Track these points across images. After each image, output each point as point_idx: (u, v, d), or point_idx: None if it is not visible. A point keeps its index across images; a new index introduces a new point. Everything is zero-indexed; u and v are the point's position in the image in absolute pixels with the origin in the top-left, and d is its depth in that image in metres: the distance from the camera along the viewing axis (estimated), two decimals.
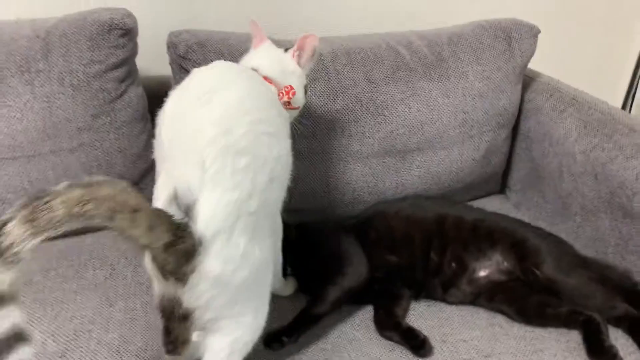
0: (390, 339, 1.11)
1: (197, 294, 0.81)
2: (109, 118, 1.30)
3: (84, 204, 0.65)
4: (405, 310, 1.20)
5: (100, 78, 1.27)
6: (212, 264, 0.79)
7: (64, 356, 1.05)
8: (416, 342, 1.09)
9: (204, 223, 0.78)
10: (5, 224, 0.62)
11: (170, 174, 0.83)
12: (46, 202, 0.63)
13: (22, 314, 0.64)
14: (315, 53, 1.14)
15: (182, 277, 0.78)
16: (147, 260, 0.79)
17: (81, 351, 1.06)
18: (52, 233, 0.64)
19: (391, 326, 1.12)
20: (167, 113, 0.92)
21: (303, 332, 1.09)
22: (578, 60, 2.08)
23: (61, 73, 1.25)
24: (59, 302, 1.15)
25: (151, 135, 1.38)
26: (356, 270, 1.19)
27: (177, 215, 0.77)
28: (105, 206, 0.67)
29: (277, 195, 0.97)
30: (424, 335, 1.10)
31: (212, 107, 0.86)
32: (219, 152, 0.81)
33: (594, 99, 1.45)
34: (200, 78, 0.97)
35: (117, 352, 1.07)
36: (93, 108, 1.28)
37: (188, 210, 0.79)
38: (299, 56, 1.13)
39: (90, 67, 1.26)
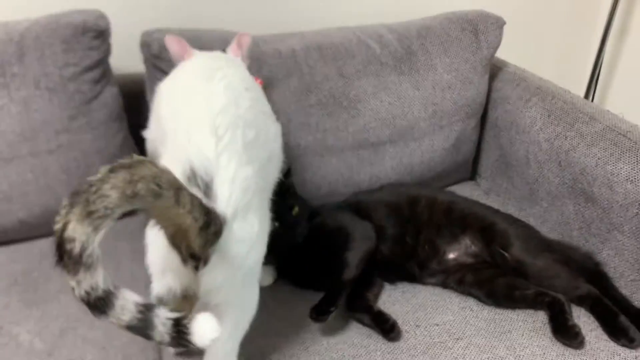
0: (360, 321, 1.16)
1: (211, 278, 0.78)
2: (85, 119, 1.31)
3: (134, 184, 0.62)
4: (377, 295, 1.25)
5: (76, 80, 1.29)
6: (230, 245, 0.77)
7: (52, 355, 1.08)
8: (386, 325, 1.13)
9: (224, 202, 0.76)
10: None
11: (178, 153, 0.80)
12: (96, 191, 0.60)
13: None
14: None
15: (204, 261, 0.75)
16: (166, 246, 0.74)
17: (67, 349, 1.09)
18: (111, 221, 0.61)
19: (362, 309, 1.17)
20: (168, 90, 0.93)
21: (340, 300, 1.13)
22: (543, 50, 2.15)
23: (36, 76, 1.26)
24: (44, 301, 1.18)
25: (127, 135, 1.41)
26: (365, 233, 1.26)
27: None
28: (152, 184, 0.64)
29: (273, 176, 0.98)
30: (393, 320, 1.14)
31: (217, 81, 0.89)
32: (230, 121, 0.80)
33: (557, 89, 1.50)
34: (201, 59, 1.03)
35: (102, 348, 1.10)
36: (69, 110, 1.29)
37: (207, 189, 0.76)
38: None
39: (65, 70, 1.27)
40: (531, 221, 1.42)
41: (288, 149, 1.41)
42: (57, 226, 0.60)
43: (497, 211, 1.36)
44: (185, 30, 1.37)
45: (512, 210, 1.47)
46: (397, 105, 1.46)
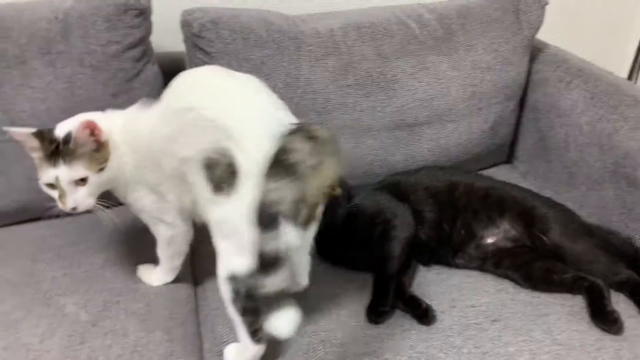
0: (394, 306, 1.17)
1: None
2: (127, 97, 1.33)
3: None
4: (411, 279, 1.25)
5: (118, 58, 1.31)
6: None
7: (96, 325, 1.11)
8: (419, 310, 1.14)
9: None
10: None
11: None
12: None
13: None
14: None
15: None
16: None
17: (111, 320, 1.13)
18: None
19: (396, 293, 1.17)
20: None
21: (389, 295, 1.15)
22: (586, 31, 2.09)
23: (81, 54, 1.28)
24: (87, 276, 1.22)
25: None
26: (405, 219, 1.26)
27: None
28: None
29: None
30: (427, 305, 1.14)
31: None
32: None
33: (600, 71, 1.47)
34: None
35: (143, 321, 1.14)
36: (112, 87, 1.31)
37: None
38: None
39: (108, 48, 1.30)
40: (569, 205, 1.39)
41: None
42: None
43: (536, 195, 1.35)
44: (225, 9, 1.38)
45: (549, 194, 1.45)
46: (435, 85, 1.45)
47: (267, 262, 0.79)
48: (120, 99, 1.33)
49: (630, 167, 1.27)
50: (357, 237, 1.24)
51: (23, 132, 0.98)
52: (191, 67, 1.38)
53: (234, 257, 0.91)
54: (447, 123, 1.50)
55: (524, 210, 1.27)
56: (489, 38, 1.50)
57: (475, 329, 1.11)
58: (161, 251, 1.17)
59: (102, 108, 1.29)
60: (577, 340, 1.08)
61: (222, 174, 0.87)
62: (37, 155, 1.00)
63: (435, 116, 1.48)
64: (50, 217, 1.08)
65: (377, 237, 1.22)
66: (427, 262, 1.30)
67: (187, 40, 1.37)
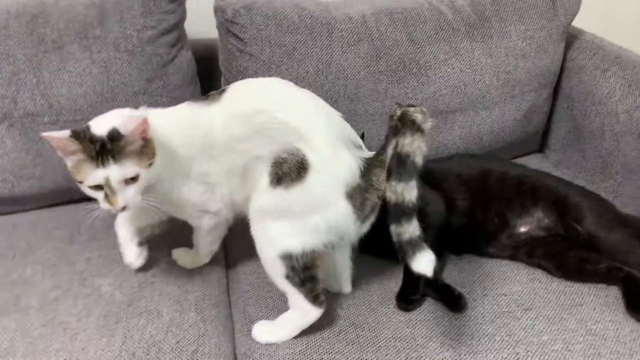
0: (425, 294, 1.16)
1: None
2: (162, 82, 1.35)
3: None
4: (442, 267, 1.25)
5: (153, 43, 1.32)
6: None
7: (131, 305, 1.14)
8: (451, 298, 1.13)
9: None
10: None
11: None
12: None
13: None
14: None
15: None
16: None
17: (146, 301, 1.15)
18: None
19: (427, 282, 1.15)
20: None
21: (420, 283, 1.15)
22: (623, 18, 2.04)
23: (117, 39, 1.30)
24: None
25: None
26: (437, 207, 1.25)
27: None
28: None
29: None
30: (459, 292, 1.14)
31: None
32: None
33: (638, 58, 1.43)
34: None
35: (177, 302, 1.16)
36: (147, 72, 1.33)
37: None
38: None
39: (143, 33, 1.31)
40: (602, 195, 1.37)
41: (356, 115, 1.42)
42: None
43: (569, 183, 1.33)
44: None
45: (582, 183, 1.42)
46: (468, 72, 1.44)
47: (407, 210, 0.94)
48: (154, 84, 1.34)
49: None
50: (388, 225, 1.23)
51: (61, 137, 0.92)
52: (224, 53, 1.40)
53: (291, 237, 1.00)
54: (479, 110, 1.48)
55: (558, 198, 1.26)
56: (524, 24, 1.47)
57: (508, 317, 1.11)
58: (201, 238, 1.19)
59: (137, 93, 1.33)
60: (612, 331, 1.07)
61: (288, 169, 0.97)
62: (76, 158, 0.94)
63: (468, 103, 1.46)
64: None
65: None
66: (459, 251, 1.29)
67: (220, 26, 1.38)
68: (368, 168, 1.01)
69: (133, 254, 1.17)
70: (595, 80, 1.46)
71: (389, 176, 0.96)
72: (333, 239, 1.02)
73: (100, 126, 0.95)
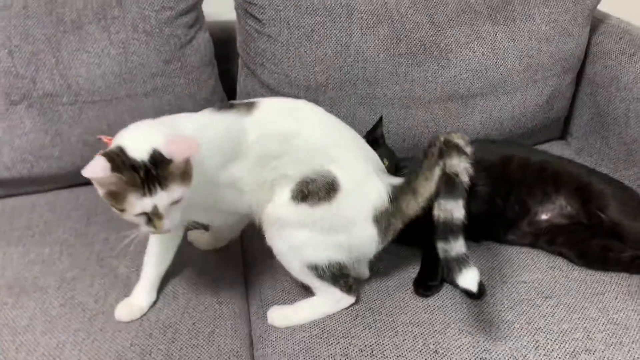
0: (443, 280, 1.15)
1: None
2: (179, 63, 1.34)
3: None
4: None
5: (171, 24, 1.31)
6: None
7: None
8: None
9: None
10: None
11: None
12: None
13: None
14: None
15: None
16: None
17: (161, 283, 1.15)
18: None
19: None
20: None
21: (438, 270, 1.14)
22: None
23: (135, 19, 1.29)
24: (139, 240, 1.22)
25: (218, 81, 1.43)
26: None
27: None
28: None
29: None
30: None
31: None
32: None
33: None
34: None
35: (194, 284, 1.17)
36: (165, 54, 1.32)
37: None
38: None
39: (161, 14, 1.30)
40: (626, 184, 1.35)
41: (374, 99, 1.40)
42: None
43: (592, 170, 1.30)
44: None
45: (605, 171, 1.40)
46: (490, 56, 1.41)
47: (455, 228, 0.99)
48: (172, 65, 1.34)
49: None
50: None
51: (104, 175, 0.83)
52: (242, 35, 1.39)
53: (315, 251, 1.05)
54: (501, 95, 1.45)
55: (581, 185, 1.23)
56: (548, 7, 1.43)
57: (527, 304, 1.09)
58: (222, 231, 1.22)
59: (154, 75, 1.33)
60: (635, 321, 1.05)
61: (316, 189, 1.01)
62: (115, 187, 0.86)
63: (489, 88, 1.43)
64: None
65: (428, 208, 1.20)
66: (478, 238, 1.27)
67: (238, 7, 1.37)
68: (397, 194, 1.06)
69: (135, 309, 1.10)
70: (621, 65, 1.43)
71: (436, 195, 1.02)
72: (354, 257, 1.08)
73: (137, 148, 0.87)
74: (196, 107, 1.37)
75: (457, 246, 0.98)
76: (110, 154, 0.86)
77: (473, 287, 0.96)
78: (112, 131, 1.30)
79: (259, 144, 1.00)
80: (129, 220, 0.90)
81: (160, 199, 0.86)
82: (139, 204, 0.86)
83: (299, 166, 1.02)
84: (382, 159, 1.26)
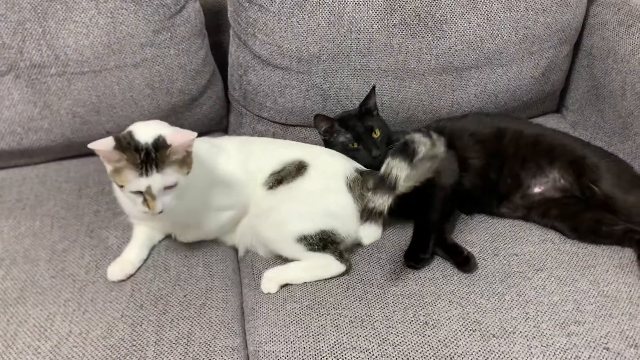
0: (434, 253, 1.15)
1: None
2: (169, 34, 1.32)
3: None
4: (453, 226, 1.23)
5: None
6: None
7: None
8: (460, 257, 1.12)
9: None
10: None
11: None
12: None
13: None
14: None
15: None
16: None
17: (153, 256, 1.16)
18: None
19: (437, 241, 1.15)
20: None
21: (429, 242, 1.14)
22: None
23: None
24: None
25: (208, 52, 1.41)
26: (449, 165, 1.23)
27: None
28: None
29: None
30: (468, 252, 1.12)
31: None
32: None
33: None
34: None
35: (185, 256, 1.17)
36: (154, 23, 1.30)
37: None
38: None
39: None
40: (621, 157, 1.34)
41: (368, 71, 1.38)
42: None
43: (587, 144, 1.29)
44: None
45: (600, 145, 1.39)
46: (485, 27, 1.38)
47: (390, 185, 1.01)
48: (161, 35, 1.31)
49: None
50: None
51: (106, 149, 0.94)
52: (232, 4, 1.37)
53: (300, 221, 1.11)
54: (496, 67, 1.43)
55: (575, 159, 1.22)
56: None
57: (519, 277, 1.10)
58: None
59: (143, 45, 1.30)
60: (625, 293, 1.05)
61: (287, 173, 1.16)
62: (118, 165, 0.96)
63: (484, 60, 1.41)
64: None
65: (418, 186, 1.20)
66: (470, 210, 1.27)
67: None
68: (365, 173, 1.19)
69: (125, 264, 1.13)
70: (619, 37, 1.41)
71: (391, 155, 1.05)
72: (339, 224, 1.12)
73: (145, 133, 0.98)
74: (186, 79, 1.37)
75: (381, 202, 1.02)
76: (119, 135, 0.98)
77: (365, 240, 1.15)
78: (102, 103, 1.32)
79: (263, 166, 1.19)
80: (128, 199, 1.01)
81: (155, 180, 0.96)
82: (135, 182, 0.96)
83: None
84: (374, 130, 1.25)
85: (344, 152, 1.26)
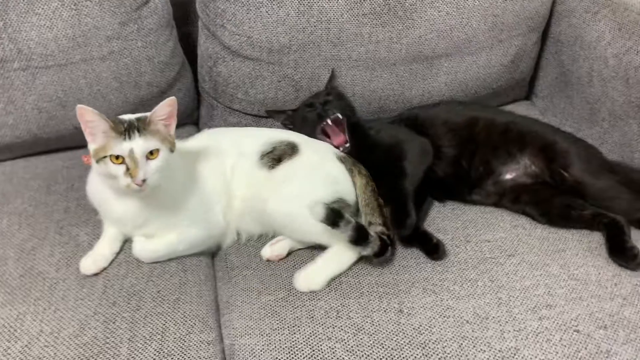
0: (404, 240, 1.16)
1: None
2: (136, 26, 1.29)
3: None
4: (425, 214, 1.24)
5: None
6: None
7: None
8: (429, 245, 1.13)
9: None
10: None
11: None
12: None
13: None
14: None
15: None
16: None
17: (124, 251, 1.14)
18: None
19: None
20: None
21: (408, 207, 1.14)
22: None
23: None
24: None
25: (177, 43, 1.39)
26: (424, 147, 1.25)
27: None
28: None
29: None
30: (437, 240, 1.13)
31: None
32: None
33: (629, 0, 1.39)
34: None
35: None
36: (120, 15, 1.27)
37: None
38: None
39: None
40: (589, 142, 1.36)
41: (339, 61, 1.38)
42: None
43: (557, 130, 1.31)
44: None
45: (569, 131, 1.41)
46: (455, 15, 1.38)
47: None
48: (128, 28, 1.29)
49: None
50: (374, 169, 1.21)
51: (94, 111, 0.97)
52: None
53: (310, 194, 1.11)
54: (466, 56, 1.44)
55: (545, 145, 1.24)
56: None
57: (491, 263, 1.11)
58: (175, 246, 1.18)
59: (110, 38, 1.28)
60: (594, 276, 1.07)
61: (282, 151, 1.18)
62: (103, 135, 0.99)
63: (454, 48, 1.42)
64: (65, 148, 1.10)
65: (394, 160, 1.22)
66: (443, 198, 1.28)
67: None
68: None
69: (98, 257, 1.11)
70: (585, 24, 1.42)
71: None
72: (343, 189, 1.16)
73: (128, 116, 1.04)
74: (155, 71, 1.35)
75: None
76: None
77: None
78: (69, 98, 1.29)
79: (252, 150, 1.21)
80: (110, 172, 0.99)
81: (137, 144, 0.98)
82: (117, 146, 0.98)
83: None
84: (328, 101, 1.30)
85: (309, 129, 1.28)
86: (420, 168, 1.22)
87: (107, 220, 1.14)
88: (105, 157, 0.98)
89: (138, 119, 1.01)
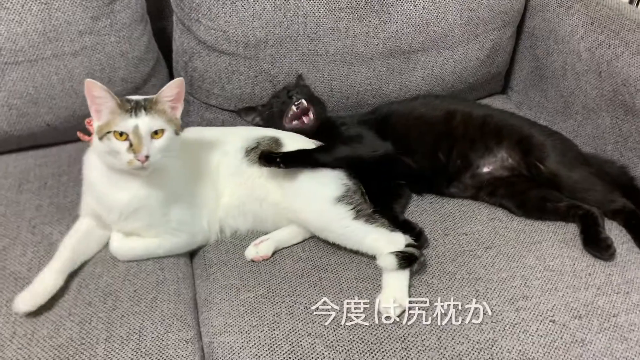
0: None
1: None
2: (109, 20, 1.27)
3: None
4: (404, 206, 1.25)
5: None
6: None
7: None
8: (412, 233, 1.13)
9: None
10: None
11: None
12: None
13: None
14: None
15: None
16: None
17: (100, 250, 1.11)
18: None
19: (389, 219, 1.15)
20: None
21: (295, 162, 1.15)
22: None
23: None
24: (74, 205, 1.18)
25: (151, 38, 1.37)
26: (373, 143, 1.25)
27: None
28: None
29: None
30: (420, 228, 1.14)
31: None
32: None
33: None
34: None
35: None
36: (92, 10, 1.25)
37: None
38: None
39: None
40: (564, 135, 1.38)
41: (316, 56, 1.37)
42: None
43: (534, 123, 1.33)
44: None
45: (544, 124, 1.42)
46: (431, 10, 1.39)
47: None
48: (101, 22, 1.26)
49: (629, 95, 1.24)
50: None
51: (101, 87, 0.97)
52: None
53: (325, 185, 1.14)
54: (442, 50, 1.44)
55: (522, 138, 1.25)
56: None
57: (469, 256, 1.12)
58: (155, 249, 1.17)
59: (82, 33, 1.25)
60: (569, 266, 1.09)
61: (268, 146, 1.19)
62: (109, 112, 0.99)
63: (431, 42, 1.42)
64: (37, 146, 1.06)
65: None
66: (420, 191, 1.29)
67: None
68: None
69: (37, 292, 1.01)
70: (559, 18, 1.44)
71: None
72: (343, 179, 1.16)
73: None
74: (129, 67, 1.33)
75: None
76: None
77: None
78: (40, 94, 1.26)
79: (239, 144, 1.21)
80: (113, 148, 0.98)
81: (142, 121, 0.98)
82: (123, 123, 0.98)
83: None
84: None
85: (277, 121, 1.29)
86: (355, 155, 1.22)
87: (90, 208, 1.09)
88: (109, 132, 0.98)
89: (145, 99, 1.02)
